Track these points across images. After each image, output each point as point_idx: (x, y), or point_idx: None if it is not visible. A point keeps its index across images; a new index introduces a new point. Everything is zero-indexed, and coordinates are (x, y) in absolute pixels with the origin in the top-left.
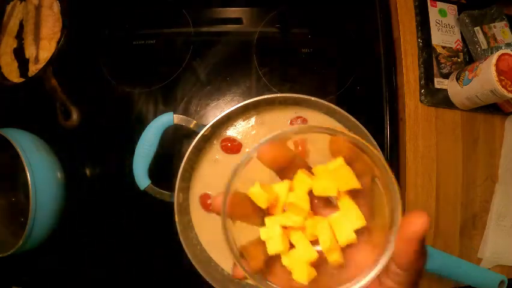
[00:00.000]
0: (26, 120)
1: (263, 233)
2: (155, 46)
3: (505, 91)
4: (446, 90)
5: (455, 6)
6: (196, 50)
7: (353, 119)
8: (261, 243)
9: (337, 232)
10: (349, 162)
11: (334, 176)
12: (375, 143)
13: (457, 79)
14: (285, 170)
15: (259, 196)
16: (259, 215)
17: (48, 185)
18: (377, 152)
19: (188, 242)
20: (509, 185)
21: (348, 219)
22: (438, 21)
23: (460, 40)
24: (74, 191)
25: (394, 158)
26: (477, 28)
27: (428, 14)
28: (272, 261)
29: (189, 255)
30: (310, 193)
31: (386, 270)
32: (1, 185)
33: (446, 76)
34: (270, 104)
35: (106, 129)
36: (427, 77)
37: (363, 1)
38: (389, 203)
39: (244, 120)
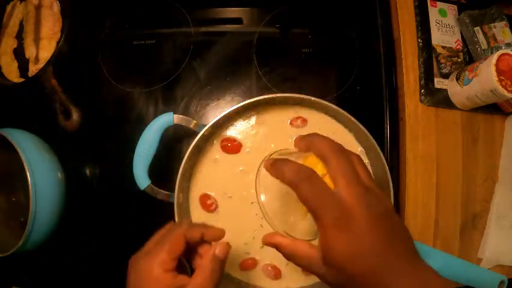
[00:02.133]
0: (26, 120)
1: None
2: (155, 46)
3: (505, 91)
4: (446, 90)
5: (455, 6)
6: (196, 50)
7: (352, 118)
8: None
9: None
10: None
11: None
12: (375, 142)
13: (457, 79)
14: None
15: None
16: None
17: (48, 185)
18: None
19: None
20: (509, 185)
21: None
22: (438, 21)
23: (460, 40)
24: (74, 191)
25: (394, 158)
26: (477, 28)
27: (428, 14)
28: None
29: None
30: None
31: None
32: (1, 185)
33: (446, 76)
34: (270, 104)
35: (106, 129)
36: (427, 77)
37: (363, 1)
38: None
39: (244, 120)
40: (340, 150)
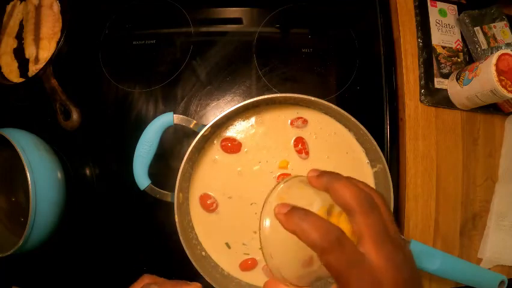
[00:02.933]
0: (26, 120)
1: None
2: (155, 46)
3: (505, 91)
4: (446, 90)
5: (455, 6)
6: (196, 50)
7: (353, 119)
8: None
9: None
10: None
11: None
12: (375, 142)
13: (457, 79)
14: None
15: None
16: None
17: (48, 185)
18: None
19: (188, 242)
20: (509, 185)
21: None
22: (438, 21)
23: (460, 40)
24: (74, 191)
25: (394, 158)
26: (477, 28)
27: (428, 14)
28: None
29: (189, 255)
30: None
31: None
32: (1, 185)
33: (446, 76)
34: (270, 104)
35: (106, 129)
36: (427, 77)
37: (363, 1)
38: None
39: (244, 120)
40: (368, 203)
